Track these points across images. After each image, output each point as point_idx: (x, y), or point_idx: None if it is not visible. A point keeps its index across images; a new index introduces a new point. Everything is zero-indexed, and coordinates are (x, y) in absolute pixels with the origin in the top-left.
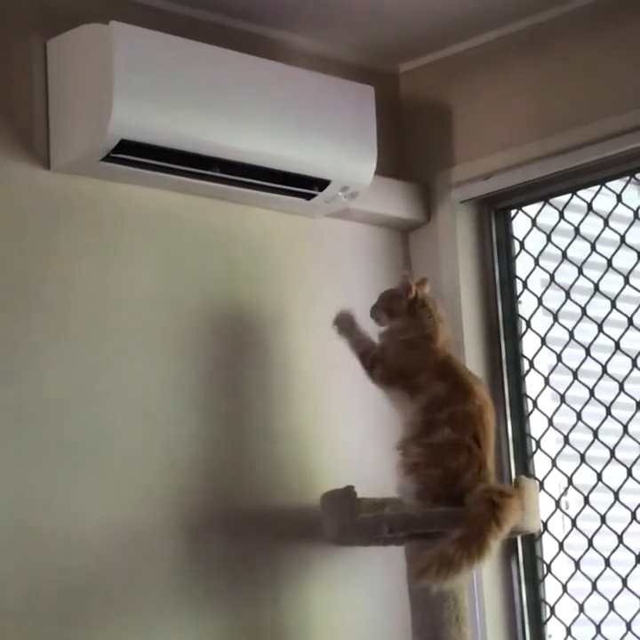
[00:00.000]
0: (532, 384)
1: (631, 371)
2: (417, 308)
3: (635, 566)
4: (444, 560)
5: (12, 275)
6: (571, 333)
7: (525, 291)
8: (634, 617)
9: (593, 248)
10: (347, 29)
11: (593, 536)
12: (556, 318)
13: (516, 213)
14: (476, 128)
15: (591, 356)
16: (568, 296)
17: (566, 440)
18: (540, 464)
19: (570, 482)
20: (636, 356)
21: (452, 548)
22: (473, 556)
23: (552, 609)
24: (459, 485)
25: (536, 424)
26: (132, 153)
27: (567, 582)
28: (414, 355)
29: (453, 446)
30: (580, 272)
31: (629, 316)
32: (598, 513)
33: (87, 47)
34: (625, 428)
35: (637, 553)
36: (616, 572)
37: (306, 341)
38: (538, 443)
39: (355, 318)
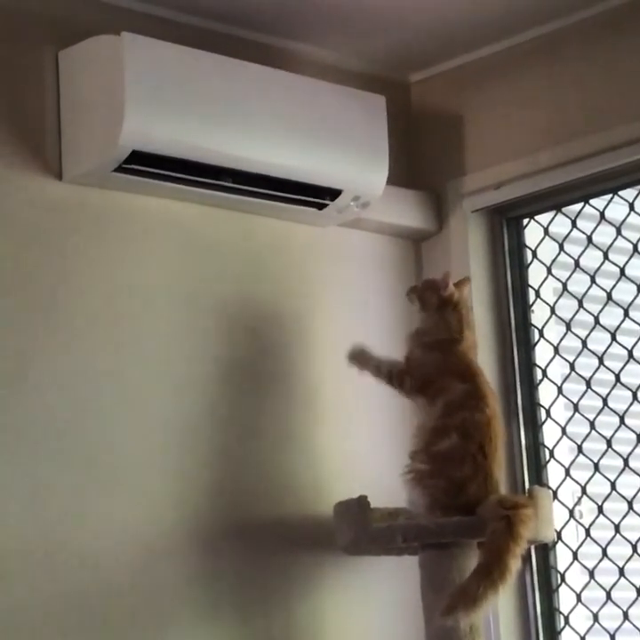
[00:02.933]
0: (545, 393)
1: None
2: (447, 310)
3: None
4: (468, 596)
5: (24, 284)
6: (583, 342)
7: (538, 299)
8: None
9: (605, 257)
10: (358, 39)
11: (607, 545)
12: (568, 327)
13: (528, 222)
14: (487, 137)
15: (604, 365)
16: (581, 305)
17: (580, 449)
18: (554, 473)
19: (583, 491)
20: None
21: (475, 582)
22: (496, 583)
23: (566, 618)
24: (465, 496)
25: (549, 433)
26: (144, 163)
27: (581, 591)
28: (436, 357)
29: (458, 456)
30: (593, 281)
31: None
32: (612, 522)
33: (99, 58)
34: (639, 437)
35: None
36: (630, 582)
37: (318, 351)
38: (551, 452)
39: (367, 348)
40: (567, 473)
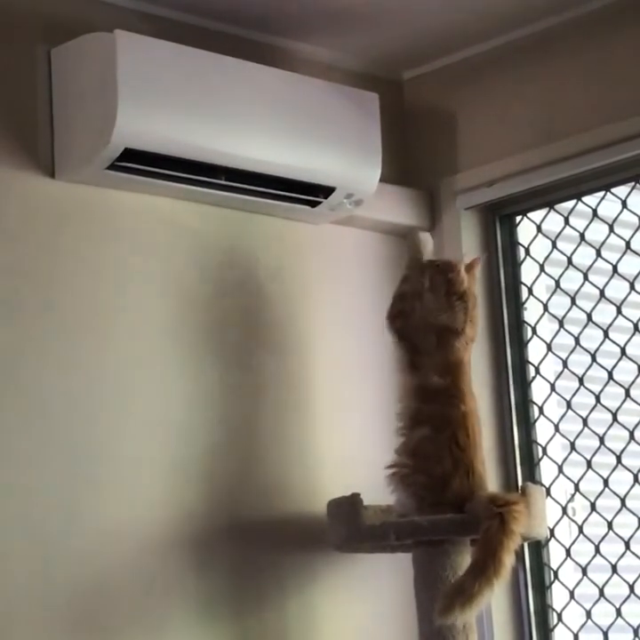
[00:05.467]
0: (538, 390)
1: (637, 376)
2: (454, 299)
3: None
4: (464, 594)
5: (17, 282)
6: (576, 339)
7: (531, 297)
8: None
9: (598, 254)
10: (351, 37)
11: (600, 542)
12: (561, 324)
13: (521, 220)
14: (480, 135)
15: (597, 363)
16: (573, 302)
17: (573, 446)
18: (547, 470)
19: (576, 488)
20: None
21: (470, 579)
22: (491, 580)
23: (559, 615)
24: (449, 492)
25: (542, 430)
26: (137, 161)
27: (574, 589)
28: (431, 340)
29: (434, 450)
30: (586, 278)
31: (635, 321)
32: (605, 519)
33: (91, 56)
34: (631, 434)
35: None
36: (623, 579)
37: (310, 349)
38: (544, 449)
39: (421, 254)
40: (560, 470)
